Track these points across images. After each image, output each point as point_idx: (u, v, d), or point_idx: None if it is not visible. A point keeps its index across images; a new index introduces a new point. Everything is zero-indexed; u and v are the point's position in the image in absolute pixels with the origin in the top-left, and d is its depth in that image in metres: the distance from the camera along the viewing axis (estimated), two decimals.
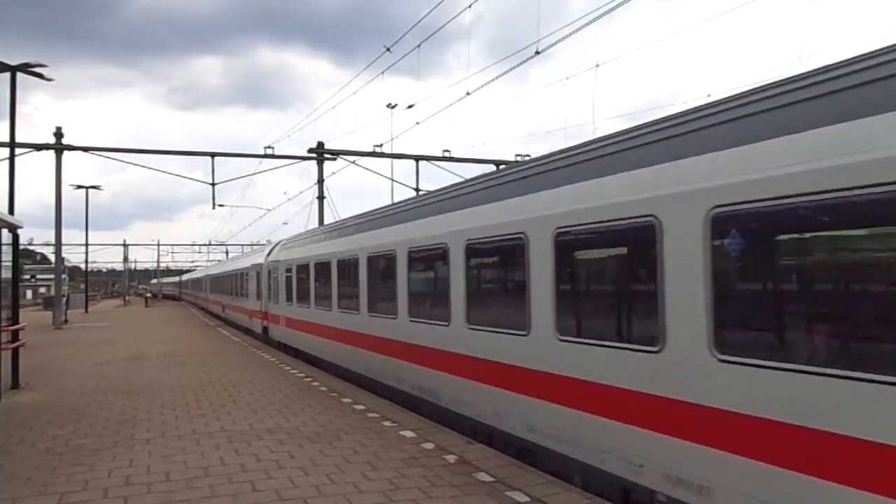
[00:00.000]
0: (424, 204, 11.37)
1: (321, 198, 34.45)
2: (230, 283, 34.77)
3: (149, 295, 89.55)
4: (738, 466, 5.03)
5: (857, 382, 4.24)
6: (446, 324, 9.71)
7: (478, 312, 9.04)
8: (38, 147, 31.97)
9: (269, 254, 24.49)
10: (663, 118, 6.43)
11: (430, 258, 10.50)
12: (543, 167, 8.06)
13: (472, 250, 9.13)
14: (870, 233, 4.48)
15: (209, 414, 10.54)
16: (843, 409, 4.32)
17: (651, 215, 5.89)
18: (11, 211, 15.83)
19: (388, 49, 22.61)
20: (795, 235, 4.97)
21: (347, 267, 14.31)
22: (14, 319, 14.06)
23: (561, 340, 7.14)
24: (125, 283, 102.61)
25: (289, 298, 20.25)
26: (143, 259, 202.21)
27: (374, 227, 13.30)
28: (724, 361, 5.18)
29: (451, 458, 7.68)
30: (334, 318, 15.41)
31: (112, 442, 8.74)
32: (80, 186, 47.68)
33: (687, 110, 6.18)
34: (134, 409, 10.98)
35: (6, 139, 18.13)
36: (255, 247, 57.01)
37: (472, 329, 9.10)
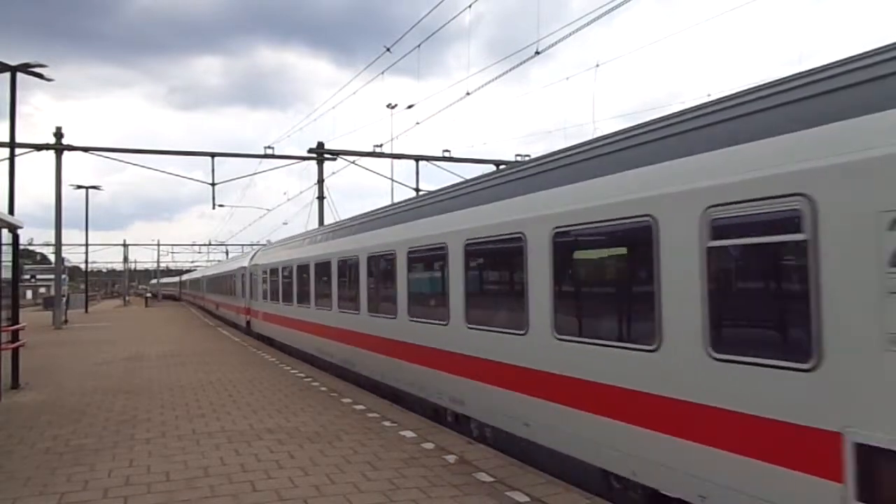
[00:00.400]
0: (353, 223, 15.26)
1: (321, 198, 34.47)
2: (222, 283, 38.45)
3: (149, 295, 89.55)
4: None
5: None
6: (356, 312, 13.56)
7: (375, 304, 12.63)
8: (38, 147, 31.97)
9: (251, 258, 28.20)
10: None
11: (352, 265, 13.97)
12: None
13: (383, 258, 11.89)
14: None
15: (209, 414, 10.54)
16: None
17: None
18: (11, 211, 15.83)
19: (388, 49, 22.62)
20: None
21: (302, 271, 18.21)
22: (14, 319, 14.06)
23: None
24: (125, 283, 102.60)
25: (264, 297, 23.91)
26: (143, 259, 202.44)
27: (314, 241, 17.88)
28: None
29: (451, 458, 7.68)
30: (294, 311, 19.14)
31: (112, 442, 8.74)
32: (80, 186, 47.72)
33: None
34: (134, 409, 10.98)
35: (6, 139, 18.14)
36: (254, 247, 58.59)
37: (372, 316, 12.65)
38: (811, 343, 4.52)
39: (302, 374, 14.89)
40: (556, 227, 7.16)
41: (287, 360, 17.71)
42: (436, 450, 8.08)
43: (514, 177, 8.62)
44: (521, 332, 7.74)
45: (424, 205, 11.31)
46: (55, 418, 10.35)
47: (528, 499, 6.26)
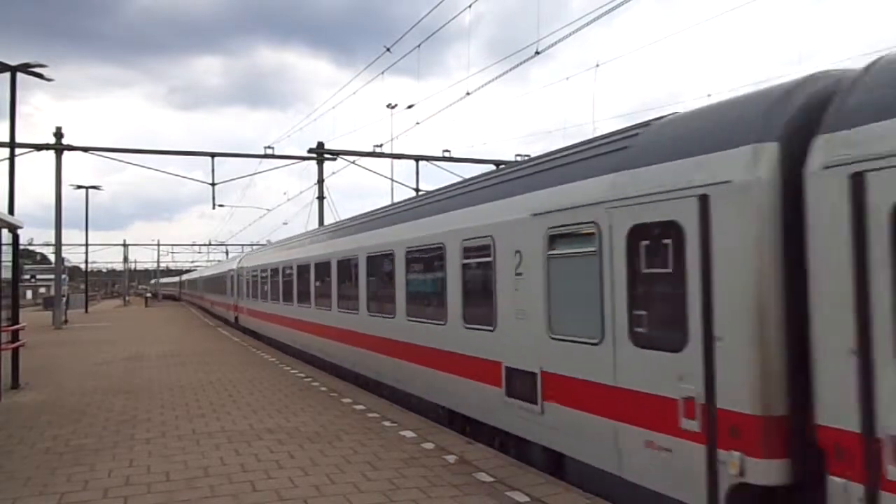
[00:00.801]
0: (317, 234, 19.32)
1: (321, 198, 34.48)
2: (215, 283, 43.32)
3: (149, 295, 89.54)
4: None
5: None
6: (308, 307, 17.47)
7: (320, 300, 16.61)
8: (38, 147, 31.97)
9: (239, 261, 32.64)
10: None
11: (303, 269, 18.12)
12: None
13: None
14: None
15: (209, 414, 10.54)
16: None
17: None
18: (11, 211, 15.83)
19: (388, 49, 22.62)
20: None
21: (278, 273, 21.61)
22: (14, 319, 14.07)
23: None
24: (125, 283, 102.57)
25: (248, 295, 28.19)
26: (143, 259, 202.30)
27: (288, 247, 21.49)
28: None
29: (451, 458, 7.68)
30: (272, 307, 22.67)
31: (112, 442, 8.75)
32: (80, 186, 47.71)
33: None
34: (134, 409, 10.98)
35: (6, 139, 18.14)
36: (253, 247, 59.86)
37: (318, 309, 16.81)
38: (493, 316, 8.25)
39: (302, 374, 14.89)
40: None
41: (287, 361, 17.71)
42: (436, 450, 8.08)
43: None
44: (392, 317, 11.46)
45: (340, 228, 16.40)
46: (55, 418, 10.36)
47: (528, 499, 6.26)
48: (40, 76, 18.78)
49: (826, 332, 4.40)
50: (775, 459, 4.77)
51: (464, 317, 9.02)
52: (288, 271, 19.90)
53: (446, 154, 33.68)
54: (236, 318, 31.42)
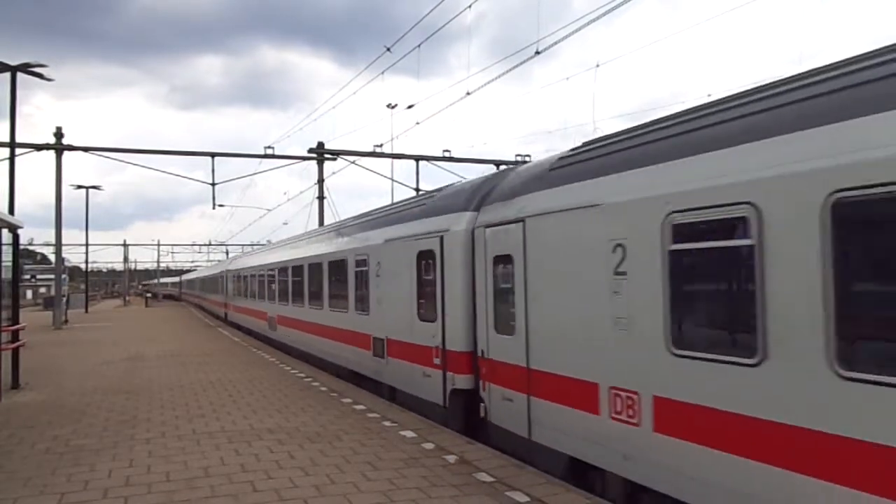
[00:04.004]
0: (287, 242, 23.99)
1: (321, 198, 34.48)
2: (209, 284, 49.43)
3: (149, 295, 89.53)
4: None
5: None
6: (274, 303, 22.40)
7: (284, 298, 21.00)
8: (39, 147, 31.95)
9: (228, 263, 38.74)
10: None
11: (271, 273, 22.99)
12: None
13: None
14: None
15: (209, 414, 10.54)
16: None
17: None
18: (11, 211, 15.82)
19: (388, 49, 22.61)
20: None
21: (255, 276, 26.64)
22: (14, 319, 14.06)
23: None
24: (125, 283, 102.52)
25: (233, 294, 33.74)
26: (144, 259, 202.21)
27: (254, 255, 29.67)
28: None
29: (451, 458, 7.68)
30: (250, 303, 27.87)
31: (112, 442, 8.75)
32: (80, 186, 47.59)
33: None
34: (134, 409, 10.98)
35: (6, 139, 18.14)
36: (254, 247, 60.46)
37: (281, 304, 21.42)
38: (368, 305, 12.68)
39: (302, 374, 14.90)
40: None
41: (287, 360, 17.71)
42: (436, 450, 8.08)
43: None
44: (321, 308, 16.18)
45: (291, 241, 22.63)
46: (55, 418, 10.36)
47: (528, 499, 6.26)
48: (40, 76, 18.77)
49: (480, 313, 8.91)
50: (467, 375, 9.24)
51: (356, 307, 13.56)
52: (255, 275, 26.57)
53: (446, 154, 33.69)
54: (226, 315, 37.03)
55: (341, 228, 16.02)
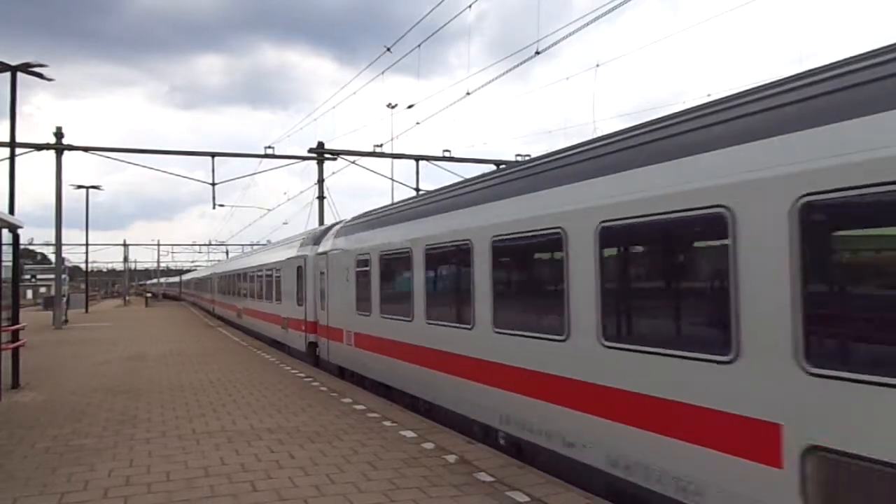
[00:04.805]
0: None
1: (321, 198, 34.47)
2: (203, 284, 56.71)
3: (149, 295, 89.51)
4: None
5: None
6: (244, 298, 30.00)
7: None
8: (39, 147, 31.93)
9: (213, 270, 47.81)
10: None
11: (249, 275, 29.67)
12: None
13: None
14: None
15: (209, 414, 10.55)
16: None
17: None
18: (12, 211, 15.82)
19: (388, 49, 22.60)
20: None
21: (237, 278, 32.98)
22: (14, 319, 14.06)
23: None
24: (125, 283, 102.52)
25: (218, 292, 41.97)
26: (144, 259, 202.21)
27: (228, 262, 44.15)
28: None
29: (452, 458, 7.68)
30: (230, 300, 35.27)
31: (112, 442, 8.75)
32: (80, 186, 47.59)
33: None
34: (134, 409, 10.98)
35: (6, 139, 18.13)
36: (254, 246, 60.87)
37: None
38: (303, 300, 19.27)
39: (302, 374, 14.90)
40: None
41: (287, 360, 17.72)
42: (436, 450, 8.08)
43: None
44: (260, 301, 24.89)
45: (248, 253, 40.14)
46: (55, 418, 10.36)
47: (528, 499, 6.26)
48: (40, 76, 18.75)
49: (317, 301, 17.26)
50: (314, 333, 17.34)
51: (274, 300, 22.23)
52: (227, 278, 36.42)
53: (446, 154, 33.69)
54: (213, 310, 44.74)
55: (261, 251, 25.59)
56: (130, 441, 8.77)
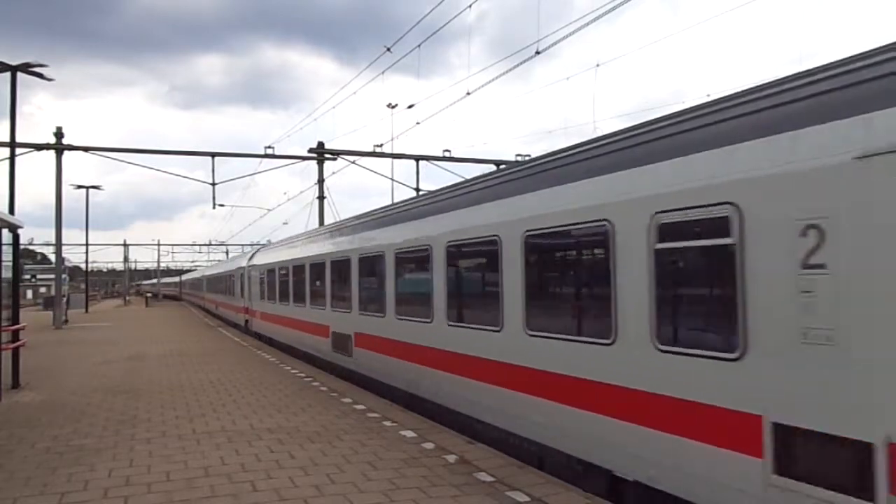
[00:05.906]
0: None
1: (321, 198, 34.48)
2: (198, 284, 63.19)
3: (149, 295, 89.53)
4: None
5: None
6: (221, 294, 41.35)
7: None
8: (39, 147, 31.93)
9: (202, 273, 58.04)
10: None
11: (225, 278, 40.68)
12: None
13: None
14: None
15: (209, 414, 10.55)
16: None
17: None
18: (12, 211, 15.83)
19: (388, 49, 22.61)
20: None
21: (206, 281, 52.62)
22: (14, 319, 14.06)
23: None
24: (125, 283, 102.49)
25: (207, 291, 51.07)
26: (144, 259, 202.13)
27: (211, 268, 58.35)
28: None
29: (452, 458, 7.68)
30: (209, 296, 49.01)
31: (112, 442, 8.75)
32: (80, 186, 47.61)
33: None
34: (134, 409, 10.98)
35: (7, 139, 18.13)
36: (254, 246, 63.06)
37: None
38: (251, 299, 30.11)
39: (302, 374, 14.90)
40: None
41: (287, 360, 17.73)
42: (436, 450, 8.08)
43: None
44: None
45: (218, 263, 55.51)
46: (55, 418, 10.36)
47: (528, 499, 6.26)
48: (40, 76, 18.77)
49: (248, 293, 28.86)
50: (251, 316, 27.92)
51: (237, 295, 31.89)
52: (210, 280, 48.15)
53: (447, 154, 33.69)
54: (203, 307, 53.72)
55: (224, 262, 37.69)
56: (130, 441, 8.77)
